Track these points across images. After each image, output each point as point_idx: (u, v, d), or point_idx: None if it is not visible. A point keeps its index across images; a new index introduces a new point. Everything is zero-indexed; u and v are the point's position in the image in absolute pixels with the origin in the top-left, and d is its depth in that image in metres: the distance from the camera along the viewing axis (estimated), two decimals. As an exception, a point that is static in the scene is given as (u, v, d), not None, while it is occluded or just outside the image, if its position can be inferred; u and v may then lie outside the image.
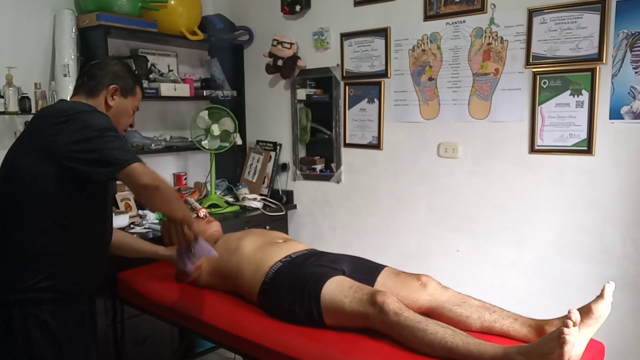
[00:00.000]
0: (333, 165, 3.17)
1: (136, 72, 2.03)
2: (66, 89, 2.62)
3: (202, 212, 2.68)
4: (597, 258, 2.32)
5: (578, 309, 1.47)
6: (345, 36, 3.00)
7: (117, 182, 2.75)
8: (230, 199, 3.24)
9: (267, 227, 3.02)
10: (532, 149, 2.45)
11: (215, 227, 2.53)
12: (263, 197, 3.26)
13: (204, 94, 3.28)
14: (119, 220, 2.62)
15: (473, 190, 2.64)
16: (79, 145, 1.52)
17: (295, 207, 3.34)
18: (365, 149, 3.01)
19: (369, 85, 2.95)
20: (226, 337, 1.92)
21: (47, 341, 1.57)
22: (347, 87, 3.04)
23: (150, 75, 3.03)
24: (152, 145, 3.06)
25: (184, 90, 3.12)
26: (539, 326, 1.68)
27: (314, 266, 1.93)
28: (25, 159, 1.58)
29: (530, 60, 2.41)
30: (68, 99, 1.83)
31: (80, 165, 1.53)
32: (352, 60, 2.99)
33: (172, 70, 3.23)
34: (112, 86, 1.74)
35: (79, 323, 1.67)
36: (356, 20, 2.95)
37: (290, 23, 3.22)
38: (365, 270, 1.97)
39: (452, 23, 2.62)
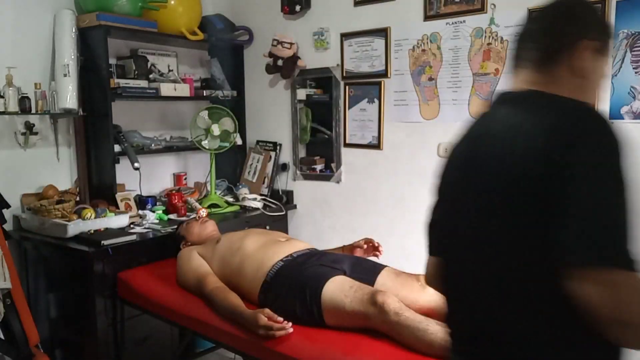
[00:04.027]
0: (333, 165, 3.17)
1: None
2: (66, 89, 2.61)
3: (202, 212, 2.68)
4: (597, 258, 2.32)
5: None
6: (345, 36, 3.00)
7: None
8: (230, 199, 3.24)
9: (267, 227, 3.02)
10: (532, 149, 2.44)
11: (210, 226, 2.52)
12: (263, 197, 3.25)
13: (204, 94, 3.28)
14: (119, 220, 2.62)
15: (473, 190, 2.63)
16: None
17: (295, 207, 3.34)
18: (365, 149, 3.01)
19: (369, 85, 2.94)
20: (226, 337, 1.92)
21: None
22: (347, 87, 3.03)
23: (150, 75, 3.02)
24: (152, 145, 3.06)
25: (184, 90, 3.12)
26: (539, 326, 1.68)
27: (315, 266, 1.93)
28: None
29: (530, 60, 2.40)
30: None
31: None
32: (352, 60, 2.99)
33: (172, 70, 3.23)
34: (583, 42, 1.02)
35: None
36: (356, 20, 2.95)
37: (290, 23, 3.22)
38: (366, 270, 1.97)
39: (452, 23, 2.62)
